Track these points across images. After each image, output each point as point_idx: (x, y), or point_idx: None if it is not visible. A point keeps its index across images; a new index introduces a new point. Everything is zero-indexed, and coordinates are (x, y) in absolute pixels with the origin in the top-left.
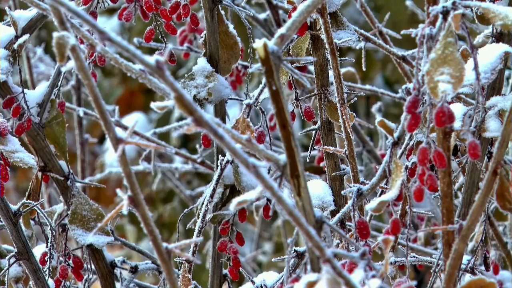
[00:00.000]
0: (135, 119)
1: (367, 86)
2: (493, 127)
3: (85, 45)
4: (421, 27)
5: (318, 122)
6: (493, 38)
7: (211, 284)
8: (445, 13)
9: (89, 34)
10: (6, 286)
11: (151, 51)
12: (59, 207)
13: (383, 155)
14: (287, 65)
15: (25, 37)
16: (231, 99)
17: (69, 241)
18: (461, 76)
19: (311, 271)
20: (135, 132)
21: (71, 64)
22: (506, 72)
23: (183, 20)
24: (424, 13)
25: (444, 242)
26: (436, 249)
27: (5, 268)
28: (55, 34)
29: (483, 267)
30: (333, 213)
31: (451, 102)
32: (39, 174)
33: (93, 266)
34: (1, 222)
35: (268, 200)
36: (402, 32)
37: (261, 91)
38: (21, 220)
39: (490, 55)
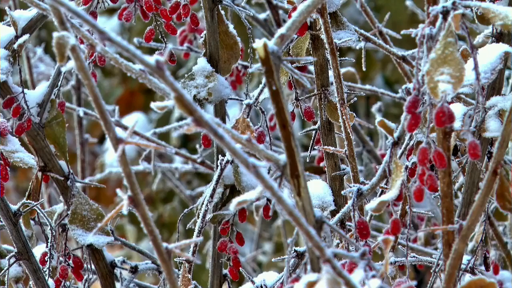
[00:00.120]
0: (135, 119)
1: (367, 86)
2: (493, 127)
3: (85, 45)
4: (421, 27)
5: (318, 122)
6: (493, 38)
7: (211, 284)
8: (445, 13)
9: (89, 34)
10: (6, 286)
11: (151, 51)
12: (59, 207)
13: (383, 155)
14: (287, 65)
15: (25, 37)
16: (231, 99)
17: (69, 241)
18: (461, 76)
19: (311, 271)
20: (135, 132)
21: (71, 64)
22: (506, 72)
23: (183, 20)
24: (424, 13)
25: (444, 242)
26: (436, 249)
27: (5, 268)
28: (55, 34)
29: (483, 267)
30: (333, 213)
31: (451, 102)
32: (39, 174)
33: (93, 266)
34: (1, 222)
35: (268, 200)
36: (402, 32)
37: (261, 91)
38: (21, 220)
39: (490, 55)
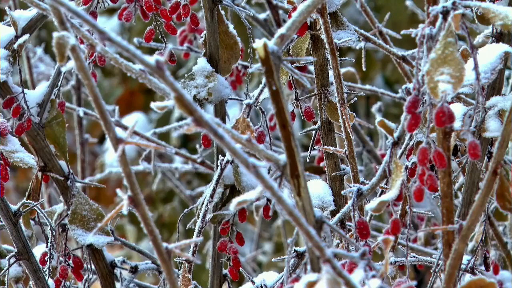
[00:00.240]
0: (135, 119)
1: (367, 86)
2: (493, 127)
3: (85, 45)
4: (421, 27)
5: (318, 122)
6: (493, 38)
7: (211, 284)
8: (445, 13)
9: (89, 34)
10: (6, 286)
11: (151, 51)
12: (59, 207)
13: (383, 155)
14: (287, 65)
15: (25, 37)
16: (231, 99)
17: (69, 241)
18: (461, 76)
19: (311, 271)
20: (135, 132)
21: (71, 64)
22: (506, 72)
23: (183, 20)
24: (424, 13)
25: (444, 242)
26: (436, 249)
27: (5, 268)
28: (55, 34)
29: (483, 267)
30: (333, 213)
31: (451, 102)
32: (39, 174)
33: (93, 266)
34: (1, 222)
35: (268, 200)
36: (402, 32)
37: (261, 91)
38: (21, 220)
39: (490, 55)
